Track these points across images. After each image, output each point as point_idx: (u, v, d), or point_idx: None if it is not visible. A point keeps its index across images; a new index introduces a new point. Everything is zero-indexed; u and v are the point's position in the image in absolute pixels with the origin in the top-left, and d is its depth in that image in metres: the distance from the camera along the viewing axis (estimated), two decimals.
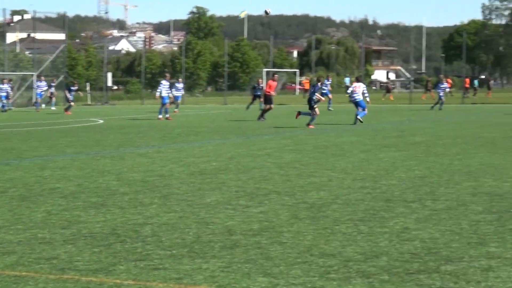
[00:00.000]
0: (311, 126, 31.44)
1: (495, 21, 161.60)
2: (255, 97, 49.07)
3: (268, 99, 38.75)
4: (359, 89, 35.18)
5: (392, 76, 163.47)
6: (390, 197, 12.59)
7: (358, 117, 33.70)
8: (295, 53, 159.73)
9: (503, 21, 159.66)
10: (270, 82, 40.58)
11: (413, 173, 15.90)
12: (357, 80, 37.45)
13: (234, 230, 9.87)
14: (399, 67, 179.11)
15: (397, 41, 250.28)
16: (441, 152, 20.55)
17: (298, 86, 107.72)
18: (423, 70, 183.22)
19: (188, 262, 8.15)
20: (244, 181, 14.89)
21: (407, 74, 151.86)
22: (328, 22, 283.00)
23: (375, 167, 17.21)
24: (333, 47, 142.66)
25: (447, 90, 53.69)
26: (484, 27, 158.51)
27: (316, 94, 33.28)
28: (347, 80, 68.71)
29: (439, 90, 50.75)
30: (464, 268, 7.80)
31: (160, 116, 39.97)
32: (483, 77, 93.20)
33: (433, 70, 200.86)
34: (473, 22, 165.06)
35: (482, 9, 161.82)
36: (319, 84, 35.08)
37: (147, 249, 8.78)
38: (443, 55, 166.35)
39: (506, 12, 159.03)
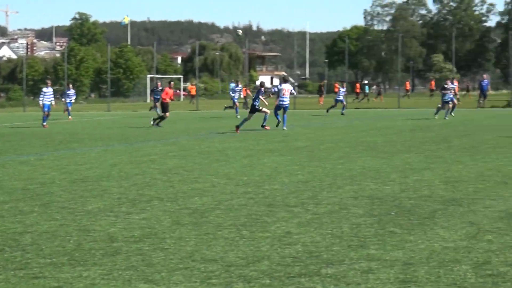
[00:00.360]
0: (267, 128, 32.00)
1: (377, 27, 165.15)
2: (156, 100, 48.72)
3: (165, 107, 38.43)
4: (287, 93, 33.96)
5: (276, 81, 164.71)
6: (272, 202, 12.66)
7: (284, 127, 33.38)
8: (179, 59, 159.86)
9: (385, 27, 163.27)
10: (167, 89, 39.60)
11: (296, 178, 16.05)
12: (284, 81, 35.70)
13: (116, 237, 9.78)
14: (283, 73, 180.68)
15: (281, 46, 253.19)
16: (324, 157, 20.79)
17: (183, 92, 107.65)
18: (307, 76, 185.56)
19: (68, 270, 8.04)
20: (126, 187, 14.76)
21: (291, 80, 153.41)
22: (212, 28, 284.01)
23: (258, 172, 17.31)
24: (217, 53, 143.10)
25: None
26: (366, 32, 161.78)
27: (260, 97, 33.37)
28: (232, 85, 68.93)
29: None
30: (344, 270, 7.91)
31: (45, 124, 39.37)
32: (366, 82, 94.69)
33: (317, 75, 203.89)
34: (355, 28, 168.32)
35: (364, 15, 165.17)
36: (262, 89, 34.49)
37: (27, 258, 8.63)
38: (326, 60, 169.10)
39: (388, 18, 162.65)
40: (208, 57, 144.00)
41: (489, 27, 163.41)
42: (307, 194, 13.59)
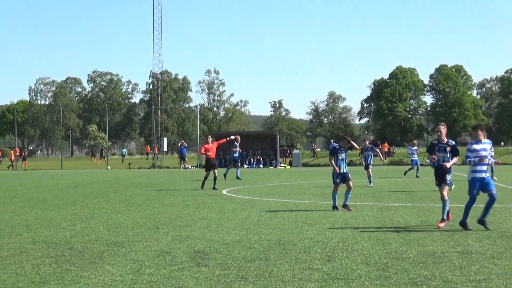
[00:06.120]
0: None
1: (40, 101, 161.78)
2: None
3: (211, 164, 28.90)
4: None
5: None
6: None
7: None
8: None
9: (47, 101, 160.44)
10: (206, 145, 28.82)
11: None
12: None
13: None
14: None
15: None
16: (1, 210, 19.97)
17: None
18: None
19: None
20: None
21: None
22: None
23: None
24: None
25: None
26: (31, 106, 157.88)
27: None
28: None
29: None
30: None
31: None
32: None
33: None
34: (21, 102, 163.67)
35: (29, 91, 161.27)
36: None
37: None
38: None
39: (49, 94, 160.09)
40: None
41: (134, 103, 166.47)
42: None
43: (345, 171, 18.86)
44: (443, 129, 15.15)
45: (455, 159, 15.04)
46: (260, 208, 19.55)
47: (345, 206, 18.54)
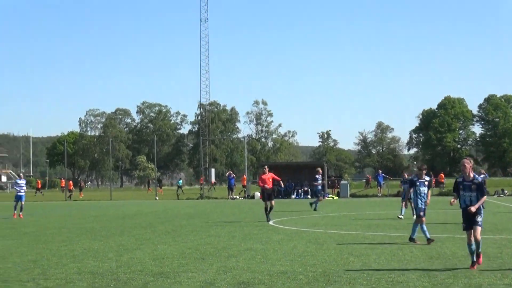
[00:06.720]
0: None
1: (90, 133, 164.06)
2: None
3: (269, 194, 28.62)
4: None
5: (4, 178, 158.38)
6: (7, 278, 12.12)
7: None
8: None
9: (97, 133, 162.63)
10: (263, 176, 28.79)
11: (26, 258, 15.44)
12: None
13: None
14: (10, 171, 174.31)
15: (7, 148, 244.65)
16: (49, 240, 20.21)
17: None
18: (31, 174, 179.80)
19: None
20: None
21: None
22: None
23: None
24: None
25: None
26: (81, 137, 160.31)
27: None
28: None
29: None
30: None
31: None
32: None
33: (40, 173, 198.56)
34: (72, 133, 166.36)
35: (79, 122, 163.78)
36: None
37: None
38: (47, 160, 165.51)
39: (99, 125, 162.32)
40: None
41: (183, 134, 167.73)
42: (37, 271, 13.11)
43: (421, 206, 18.08)
44: (468, 163, 13.18)
45: (482, 200, 12.84)
46: (306, 239, 19.44)
47: (411, 239, 17.92)
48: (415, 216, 27.69)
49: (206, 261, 14.38)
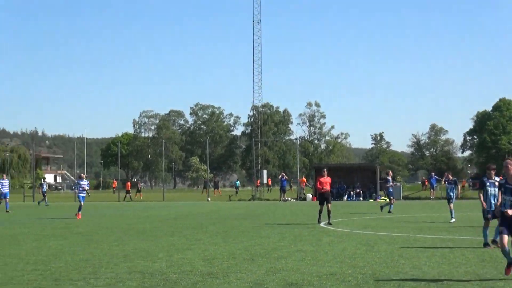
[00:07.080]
0: None
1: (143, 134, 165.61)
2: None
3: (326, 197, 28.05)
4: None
5: (59, 179, 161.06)
6: (58, 277, 12.29)
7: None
8: None
9: (150, 134, 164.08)
10: (321, 178, 28.09)
11: (78, 257, 15.65)
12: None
13: None
14: (65, 172, 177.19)
15: (63, 149, 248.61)
16: (101, 240, 20.46)
17: None
18: (86, 174, 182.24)
19: None
20: None
21: (72, 177, 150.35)
22: (2, 133, 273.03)
23: (47, 252, 16.76)
24: (7, 154, 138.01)
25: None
26: (135, 138, 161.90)
27: None
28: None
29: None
30: None
31: None
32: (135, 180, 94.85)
33: (94, 174, 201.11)
34: (125, 135, 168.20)
35: (133, 124, 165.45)
36: None
37: None
38: (101, 161, 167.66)
39: (153, 127, 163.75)
40: None
41: (236, 136, 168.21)
42: (88, 270, 13.28)
43: (489, 209, 17.02)
44: (511, 165, 11.68)
45: None
46: (357, 241, 19.31)
47: (494, 242, 16.97)
48: (453, 220, 27.38)
49: (255, 262, 14.39)
